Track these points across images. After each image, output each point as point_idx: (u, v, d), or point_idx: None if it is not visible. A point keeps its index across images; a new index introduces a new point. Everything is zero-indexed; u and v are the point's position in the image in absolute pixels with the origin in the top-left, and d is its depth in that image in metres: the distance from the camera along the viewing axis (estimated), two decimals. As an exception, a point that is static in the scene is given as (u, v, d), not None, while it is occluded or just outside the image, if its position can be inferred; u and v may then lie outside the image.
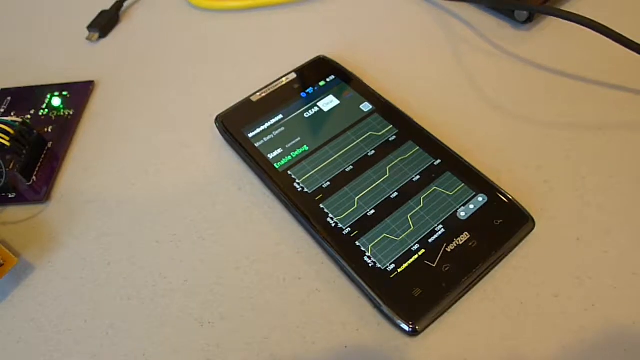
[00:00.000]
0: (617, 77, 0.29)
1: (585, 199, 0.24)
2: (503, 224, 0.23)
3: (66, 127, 0.31)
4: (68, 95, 0.33)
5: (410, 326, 0.20)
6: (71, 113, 0.32)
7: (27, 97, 0.34)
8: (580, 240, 0.23)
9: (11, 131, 0.28)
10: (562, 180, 0.25)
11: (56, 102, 0.33)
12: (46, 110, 0.33)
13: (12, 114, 0.33)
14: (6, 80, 0.35)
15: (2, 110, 0.33)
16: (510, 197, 0.23)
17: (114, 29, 0.38)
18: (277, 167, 0.26)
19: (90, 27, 0.38)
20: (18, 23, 0.40)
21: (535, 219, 0.23)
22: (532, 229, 0.23)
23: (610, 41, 0.27)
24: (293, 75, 0.30)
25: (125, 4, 0.40)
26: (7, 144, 0.27)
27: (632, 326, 0.20)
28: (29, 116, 0.32)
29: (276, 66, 0.32)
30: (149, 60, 0.35)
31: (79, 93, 0.33)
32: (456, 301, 0.21)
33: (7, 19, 0.41)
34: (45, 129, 0.31)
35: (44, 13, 0.40)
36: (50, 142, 0.31)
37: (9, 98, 0.34)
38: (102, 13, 0.38)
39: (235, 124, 0.28)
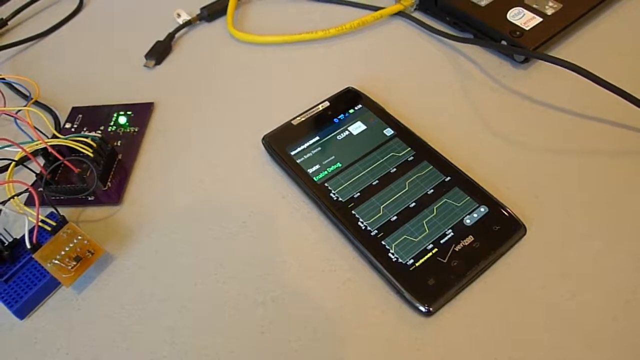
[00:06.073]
0: (598, 111, 0.34)
1: (569, 211, 0.30)
2: (501, 230, 0.28)
3: (133, 142, 0.37)
4: (132, 115, 0.39)
5: (426, 308, 0.26)
6: (136, 130, 0.38)
7: (95, 115, 0.40)
8: (563, 244, 0.28)
9: (94, 144, 0.34)
10: (551, 195, 0.30)
11: (122, 120, 0.39)
12: (114, 127, 0.38)
13: (85, 129, 0.39)
14: (76, 100, 0.41)
15: (76, 126, 0.39)
16: (507, 209, 0.29)
17: (167, 57, 0.44)
18: (315, 179, 0.31)
19: (148, 56, 0.44)
20: (85, 52, 0.46)
21: (527, 226, 0.28)
22: (524, 234, 0.28)
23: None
24: (327, 104, 0.36)
25: (177, 36, 0.46)
26: (91, 155, 0.33)
27: (604, 312, 0.26)
28: (100, 132, 0.38)
29: (310, 94, 0.38)
30: (199, 84, 0.41)
31: (142, 112, 0.39)
32: (462, 290, 0.27)
33: (76, 48, 0.47)
34: (115, 143, 0.37)
35: (107, 43, 0.47)
36: (120, 155, 0.36)
37: (80, 116, 0.40)
38: (157, 43, 0.44)
39: (279, 143, 0.34)
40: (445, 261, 0.27)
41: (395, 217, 0.29)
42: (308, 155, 0.33)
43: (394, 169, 0.31)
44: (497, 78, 0.38)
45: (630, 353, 0.24)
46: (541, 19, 0.39)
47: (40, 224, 0.30)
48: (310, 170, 0.32)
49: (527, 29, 0.38)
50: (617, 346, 0.24)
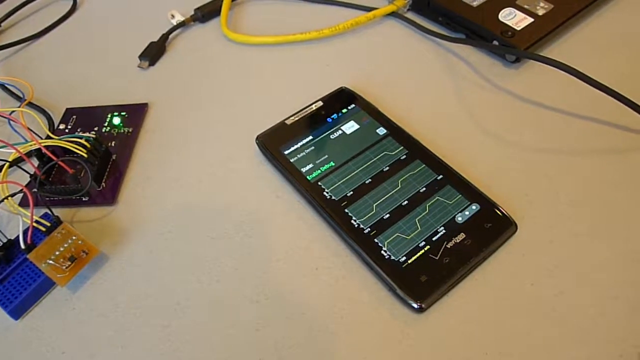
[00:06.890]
0: (588, 110, 0.35)
1: (558, 209, 0.30)
2: (492, 227, 0.28)
3: (127, 142, 0.37)
4: (126, 115, 0.39)
5: (418, 304, 0.26)
6: (130, 130, 0.38)
7: (89, 116, 0.40)
8: (552, 242, 0.29)
9: (88, 145, 0.34)
10: (541, 194, 0.31)
11: (116, 120, 0.39)
12: (108, 128, 0.38)
13: (79, 130, 0.39)
14: (70, 101, 0.41)
15: (70, 127, 0.39)
16: (498, 206, 0.29)
17: (161, 58, 0.44)
18: (309, 178, 0.32)
19: (141, 57, 0.44)
20: (79, 53, 0.46)
21: (517, 224, 0.29)
22: (515, 231, 0.29)
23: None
24: (320, 103, 0.36)
25: (170, 37, 0.46)
26: (85, 155, 0.33)
27: (592, 308, 0.26)
28: (94, 132, 0.38)
29: (304, 94, 0.38)
30: (193, 85, 0.41)
31: (136, 113, 0.39)
32: (454, 286, 0.27)
33: (70, 50, 0.47)
34: (109, 144, 0.37)
35: (101, 44, 0.47)
36: (114, 155, 0.36)
37: (74, 117, 0.40)
38: (151, 44, 0.45)
39: (273, 143, 0.34)
40: (437, 258, 0.27)
41: (388, 215, 0.29)
42: (301, 154, 0.33)
43: (387, 168, 0.32)
44: (489, 78, 0.38)
45: (617, 348, 0.25)
46: (532, 20, 0.39)
47: (34, 224, 0.30)
48: (303, 170, 0.32)
49: (518, 29, 0.38)
50: (605, 341, 0.25)
